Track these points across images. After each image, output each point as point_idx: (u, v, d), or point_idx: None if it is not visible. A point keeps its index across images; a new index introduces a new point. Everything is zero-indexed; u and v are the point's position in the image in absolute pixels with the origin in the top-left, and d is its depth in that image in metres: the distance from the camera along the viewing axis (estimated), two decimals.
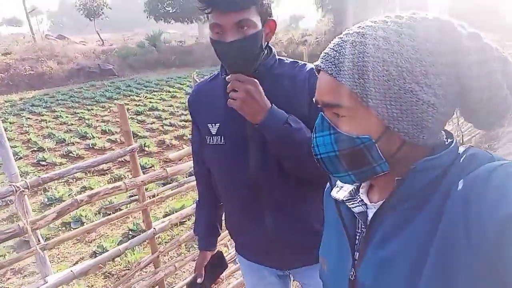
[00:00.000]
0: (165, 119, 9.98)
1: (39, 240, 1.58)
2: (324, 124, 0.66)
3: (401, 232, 0.63)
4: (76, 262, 4.00)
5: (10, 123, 10.77)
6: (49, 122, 10.58)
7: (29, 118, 11.28)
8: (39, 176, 1.52)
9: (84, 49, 22.73)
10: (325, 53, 0.65)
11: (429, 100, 0.59)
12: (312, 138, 0.68)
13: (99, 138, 8.56)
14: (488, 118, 0.63)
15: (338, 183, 0.76)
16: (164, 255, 3.48)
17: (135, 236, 2.20)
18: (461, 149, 0.65)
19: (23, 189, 1.40)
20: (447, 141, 0.66)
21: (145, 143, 7.65)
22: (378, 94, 0.60)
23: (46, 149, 7.99)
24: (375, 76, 0.59)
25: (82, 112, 11.44)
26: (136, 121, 10.06)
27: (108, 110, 11.82)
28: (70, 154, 7.61)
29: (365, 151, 0.63)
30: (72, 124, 10.09)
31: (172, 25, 30.37)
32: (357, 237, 0.72)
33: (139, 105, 12.05)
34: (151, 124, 9.60)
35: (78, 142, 8.45)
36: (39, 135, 9.24)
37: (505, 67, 0.60)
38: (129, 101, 13.02)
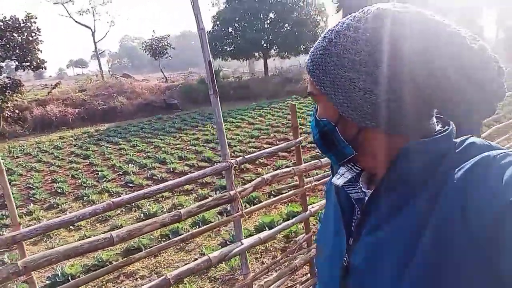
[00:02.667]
0: (234, 146, 10.42)
1: (238, 209, 1.87)
2: (312, 111, 0.78)
3: (395, 217, 0.63)
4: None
5: (93, 151, 11.74)
6: (127, 150, 11.40)
7: (108, 146, 12.21)
8: (244, 157, 1.83)
9: (148, 86, 24.38)
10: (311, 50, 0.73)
11: (365, 87, 0.61)
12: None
13: (177, 163, 9.09)
14: (462, 119, 0.64)
15: (340, 170, 0.77)
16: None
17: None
18: (460, 138, 0.64)
19: (235, 165, 1.71)
20: (442, 129, 0.66)
21: None
22: (328, 83, 0.66)
23: (131, 173, 8.62)
24: (326, 67, 0.65)
25: (156, 141, 12.21)
26: (208, 148, 10.59)
27: (180, 139, 12.52)
28: (154, 177, 8.16)
29: (329, 134, 0.70)
30: (149, 152, 10.80)
31: (228, 62, 31.88)
32: (353, 224, 0.73)
33: (207, 134, 12.67)
34: None
35: (159, 167, 9.04)
36: (121, 161, 9.98)
37: (464, 53, 0.58)
38: (197, 131, 13.73)
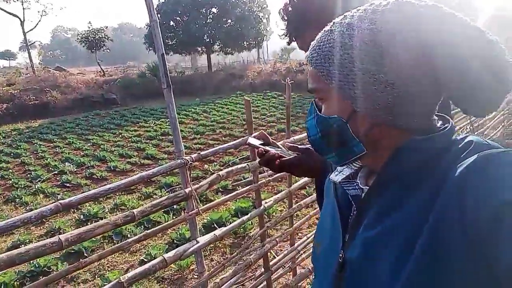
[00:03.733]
0: None
1: (193, 207, 1.83)
2: (311, 109, 0.73)
3: (392, 213, 0.62)
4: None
5: (24, 149, 10.89)
6: (63, 148, 10.73)
7: (41, 144, 11.40)
8: (199, 153, 1.79)
9: (85, 79, 23.10)
10: (311, 45, 0.71)
11: (387, 80, 0.60)
12: (305, 122, 0.75)
13: (118, 161, 8.72)
14: (473, 105, 0.62)
15: (338, 167, 0.77)
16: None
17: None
18: (459, 136, 0.64)
19: (191, 162, 1.67)
20: (442, 127, 0.66)
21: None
22: (341, 76, 0.63)
23: (67, 172, 8.12)
24: (338, 60, 0.63)
25: (94, 138, 11.62)
26: (151, 145, 10.28)
27: (120, 136, 12.02)
28: (93, 176, 7.76)
29: (339, 131, 0.67)
30: (87, 149, 10.24)
31: (169, 56, 31.13)
32: (350, 220, 0.73)
33: (149, 131, 12.29)
34: (167, 147, 9.82)
35: (98, 165, 8.61)
36: (56, 159, 9.37)
37: (487, 50, 0.57)
38: (138, 127, 13.26)
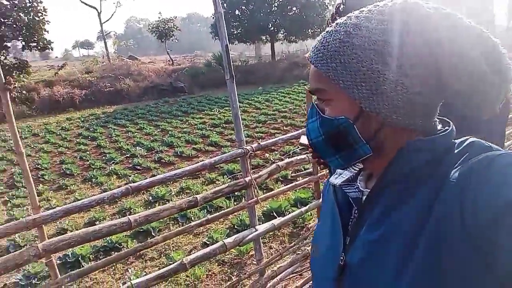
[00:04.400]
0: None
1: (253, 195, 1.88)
2: (313, 111, 0.71)
3: (392, 215, 0.62)
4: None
5: (100, 133, 11.79)
6: (135, 132, 11.44)
7: (115, 129, 12.25)
8: (259, 143, 1.83)
9: (155, 68, 24.29)
10: (313, 46, 0.70)
11: (397, 80, 0.60)
12: (306, 126, 0.73)
13: (185, 147, 9.12)
14: (474, 105, 0.62)
15: (338, 170, 0.77)
16: None
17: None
18: (460, 139, 0.64)
19: (251, 152, 1.70)
20: (443, 129, 0.66)
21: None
22: (349, 76, 0.62)
23: (138, 156, 8.66)
24: (345, 60, 0.62)
25: (163, 125, 12.23)
26: (215, 132, 10.60)
27: (187, 122, 12.53)
28: (161, 160, 8.20)
29: (345, 133, 0.65)
30: (156, 135, 10.83)
31: (234, 45, 31.63)
32: (350, 223, 0.72)
33: (214, 119, 12.66)
34: (230, 135, 10.06)
35: (166, 150, 9.07)
36: (128, 143, 10.02)
37: (489, 52, 0.58)
38: (204, 115, 13.73)
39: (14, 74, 16.86)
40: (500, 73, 0.58)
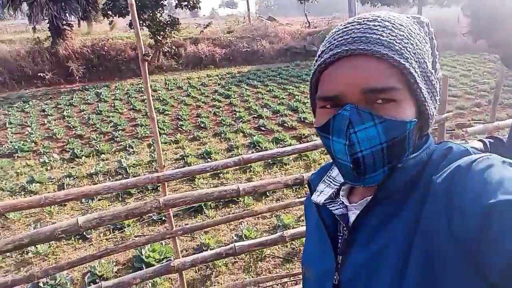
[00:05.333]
0: None
1: None
2: (363, 116, 0.57)
3: (384, 230, 0.61)
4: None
5: (233, 91, 12.57)
6: (264, 94, 11.89)
7: (247, 89, 12.91)
8: None
9: (291, 30, 24.40)
10: (364, 37, 0.59)
11: (435, 84, 0.62)
12: (345, 136, 0.59)
13: (309, 113, 9.16)
14: None
15: (318, 187, 0.74)
16: None
17: None
18: (436, 145, 0.64)
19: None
20: (424, 138, 0.66)
21: None
22: (419, 72, 0.60)
23: (264, 117, 9.04)
24: (415, 58, 0.59)
25: (291, 88, 12.42)
26: None
27: None
28: (284, 124, 8.43)
29: (407, 137, 0.60)
30: (283, 98, 11.09)
31: (377, 8, 29.58)
32: (339, 241, 0.69)
33: None
34: None
35: (290, 115, 9.26)
36: (256, 104, 10.50)
37: None
38: None
39: (166, 30, 18.77)
40: None
